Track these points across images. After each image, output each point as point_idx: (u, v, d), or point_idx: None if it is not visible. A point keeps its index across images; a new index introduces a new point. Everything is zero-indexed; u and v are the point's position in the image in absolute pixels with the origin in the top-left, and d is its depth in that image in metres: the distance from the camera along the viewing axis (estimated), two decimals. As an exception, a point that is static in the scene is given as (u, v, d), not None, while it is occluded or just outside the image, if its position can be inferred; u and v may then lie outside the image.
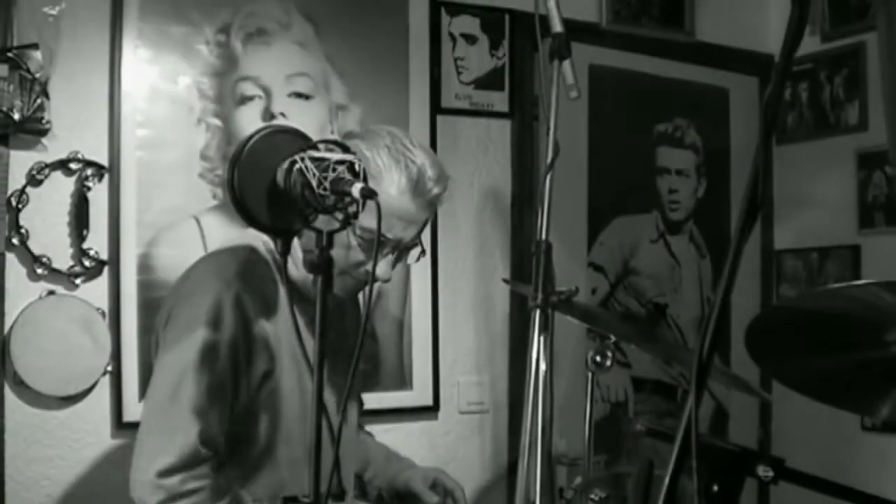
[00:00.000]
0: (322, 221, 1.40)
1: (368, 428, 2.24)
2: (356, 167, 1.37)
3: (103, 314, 2.37)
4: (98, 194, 2.39)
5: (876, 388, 1.34)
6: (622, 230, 3.22)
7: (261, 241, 1.76)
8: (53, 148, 2.34)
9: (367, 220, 1.52)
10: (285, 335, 1.72)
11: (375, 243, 1.39)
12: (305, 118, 2.62)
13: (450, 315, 2.91)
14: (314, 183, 1.34)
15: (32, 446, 2.31)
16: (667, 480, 1.00)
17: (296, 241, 1.71)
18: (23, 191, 2.30)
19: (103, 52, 2.42)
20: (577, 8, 3.02)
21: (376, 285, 1.79)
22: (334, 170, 1.35)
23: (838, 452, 3.10)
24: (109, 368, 2.37)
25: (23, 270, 2.31)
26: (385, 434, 2.29)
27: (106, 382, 2.39)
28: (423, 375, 2.85)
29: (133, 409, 2.35)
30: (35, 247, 2.32)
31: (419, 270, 2.78)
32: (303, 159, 1.35)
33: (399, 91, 2.81)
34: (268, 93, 2.60)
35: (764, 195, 1.03)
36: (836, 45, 3.26)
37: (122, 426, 2.37)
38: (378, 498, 2.08)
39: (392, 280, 1.81)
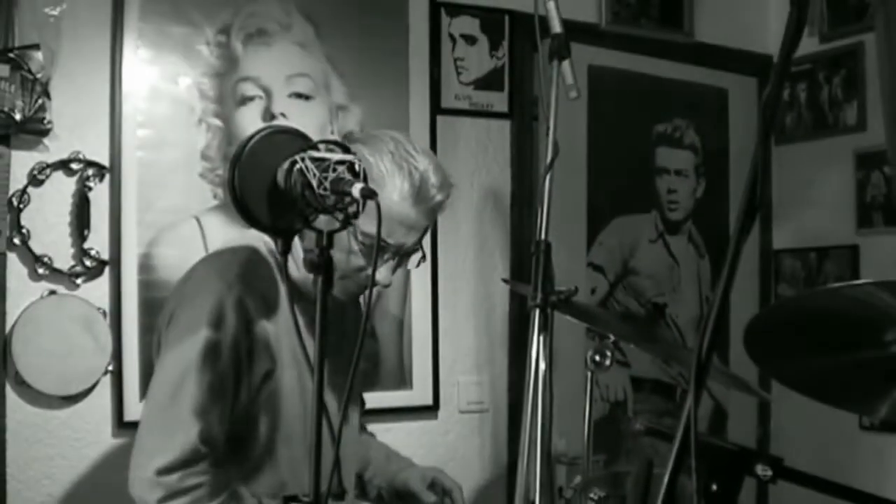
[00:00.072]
0: (322, 221, 1.40)
1: (368, 427, 2.24)
2: (356, 167, 1.38)
3: (104, 314, 2.38)
4: (99, 194, 2.40)
5: (874, 387, 1.34)
6: (621, 230, 3.22)
7: (262, 241, 1.77)
8: (55, 148, 2.34)
9: (368, 225, 1.52)
10: (286, 335, 1.72)
11: (375, 244, 1.39)
12: (306, 118, 2.63)
13: (450, 315, 2.91)
14: (314, 183, 1.34)
15: (34, 446, 2.32)
16: (666, 479, 1.01)
17: (297, 241, 1.71)
18: (24, 191, 2.31)
19: (104, 53, 2.43)
20: (577, 9, 3.02)
21: (375, 286, 1.79)
22: (334, 170, 1.36)
23: (837, 452, 3.11)
24: (110, 368, 2.37)
25: (24, 270, 2.32)
26: (385, 434, 2.30)
27: (107, 382, 2.39)
28: (423, 375, 2.86)
29: (134, 409, 2.36)
30: (36, 247, 2.32)
31: (419, 270, 2.77)
32: (303, 159, 1.36)
33: (399, 91, 2.82)
34: (268, 93, 2.60)
35: (763, 195, 1.03)
36: (834, 46, 3.27)
37: (123, 426, 2.37)
38: (377, 497, 2.08)
39: (392, 280, 1.81)
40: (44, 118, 2.28)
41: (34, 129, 2.29)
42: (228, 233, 2.30)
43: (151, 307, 2.38)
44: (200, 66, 2.54)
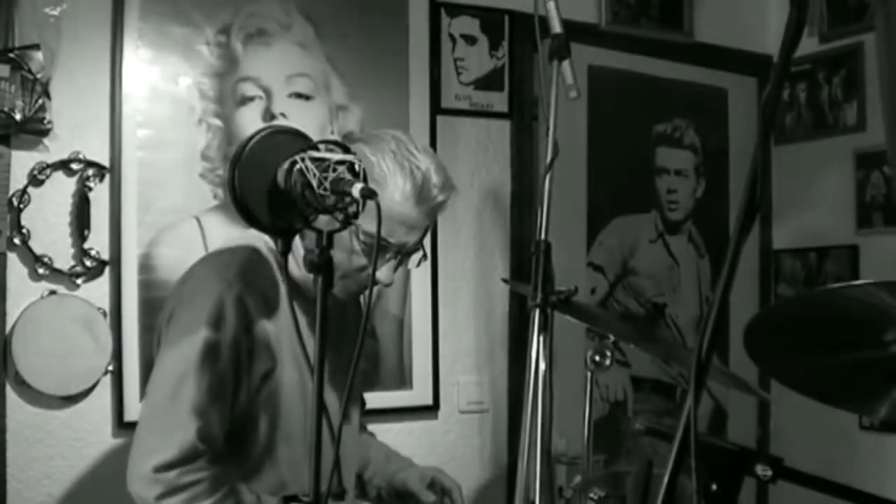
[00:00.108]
0: (323, 221, 1.40)
1: (368, 427, 2.24)
2: (356, 167, 1.38)
3: (104, 314, 2.38)
4: (99, 194, 2.40)
5: (874, 387, 1.34)
6: (621, 230, 3.22)
7: (262, 240, 1.77)
8: (55, 148, 2.34)
9: (370, 224, 1.52)
10: (287, 335, 1.72)
11: (375, 244, 1.39)
12: (306, 118, 2.63)
13: (450, 315, 2.91)
14: (314, 183, 1.34)
15: (34, 446, 2.32)
16: (666, 479, 1.01)
17: (297, 240, 1.71)
18: (24, 191, 2.31)
19: (104, 53, 2.43)
20: (577, 9, 3.02)
21: (376, 286, 1.80)
22: (334, 170, 1.36)
23: (836, 452, 3.11)
24: (110, 368, 2.38)
25: (24, 270, 2.32)
26: (385, 433, 2.29)
27: (107, 382, 2.39)
28: (423, 375, 2.86)
29: (134, 409, 2.36)
30: (36, 247, 2.32)
31: (419, 270, 2.77)
32: (303, 159, 1.36)
33: (399, 91, 2.82)
34: (268, 93, 2.60)
35: (762, 195, 1.03)
36: (834, 46, 3.27)
37: (123, 426, 2.37)
38: (377, 497, 2.08)
39: (394, 279, 1.81)
40: (44, 118, 2.28)
41: (34, 129, 2.29)
42: (228, 233, 2.30)
43: (151, 307, 2.38)
44: (200, 66, 2.54)
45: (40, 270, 2.32)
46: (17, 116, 2.24)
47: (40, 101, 2.27)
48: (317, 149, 1.39)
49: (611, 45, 3.18)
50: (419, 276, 2.82)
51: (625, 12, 3.22)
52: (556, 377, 1.66)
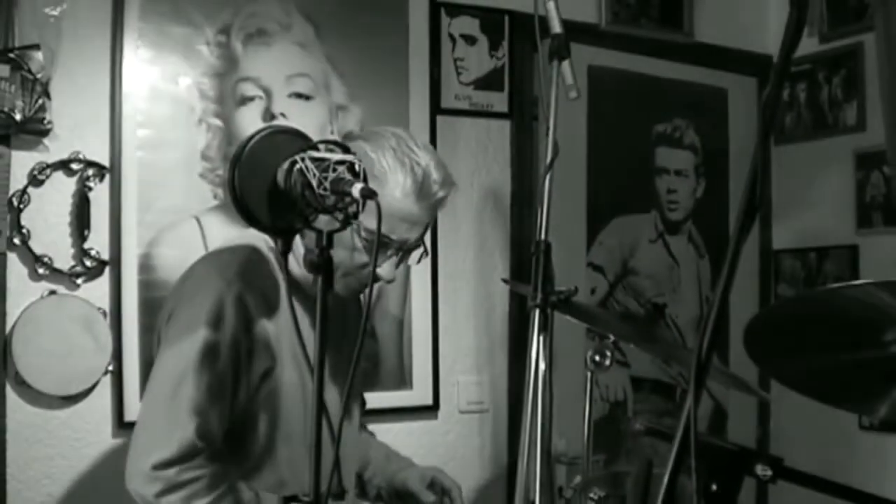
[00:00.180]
0: (323, 221, 1.40)
1: (368, 427, 2.24)
2: (356, 167, 1.38)
3: (104, 314, 2.38)
4: (99, 194, 2.40)
5: (874, 387, 1.34)
6: (621, 230, 3.22)
7: (262, 240, 1.77)
8: (55, 148, 2.34)
9: (371, 221, 1.52)
10: (286, 334, 1.72)
11: (375, 243, 1.39)
12: (306, 119, 2.63)
13: (450, 315, 2.91)
14: (314, 183, 1.35)
15: (34, 446, 2.32)
16: (666, 479, 1.01)
17: (298, 239, 1.71)
18: (24, 191, 2.31)
19: (104, 53, 2.43)
20: (577, 9, 3.02)
21: (377, 284, 1.80)
22: (334, 170, 1.36)
23: (836, 451, 3.11)
24: (110, 368, 2.38)
25: (24, 270, 2.32)
26: (385, 433, 2.29)
27: (107, 382, 2.39)
28: (423, 375, 2.86)
29: (134, 409, 2.36)
30: (36, 247, 2.32)
31: (419, 270, 2.78)
32: (303, 159, 1.36)
33: (399, 91, 2.82)
34: (268, 93, 2.60)
35: (762, 195, 1.03)
36: (834, 46, 3.27)
37: (124, 426, 2.37)
38: (377, 497, 2.08)
39: (395, 275, 1.81)
40: (44, 118, 2.29)
41: (34, 130, 2.29)
42: (228, 233, 2.29)
43: (151, 307, 2.38)
44: (200, 66, 2.54)
45: (40, 270, 2.32)
46: (17, 116, 2.24)
47: (40, 101, 2.27)
48: (317, 149, 1.39)
49: (611, 45, 3.18)
50: (419, 276, 2.82)
51: (625, 12, 3.22)
52: (556, 377, 1.66)
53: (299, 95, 2.65)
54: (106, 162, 2.41)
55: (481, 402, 2.97)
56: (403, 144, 1.72)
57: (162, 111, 2.49)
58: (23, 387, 2.29)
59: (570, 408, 2.07)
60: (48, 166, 2.33)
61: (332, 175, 1.35)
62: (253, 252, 1.77)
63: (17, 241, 2.30)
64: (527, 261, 2.88)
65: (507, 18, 3.01)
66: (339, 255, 1.61)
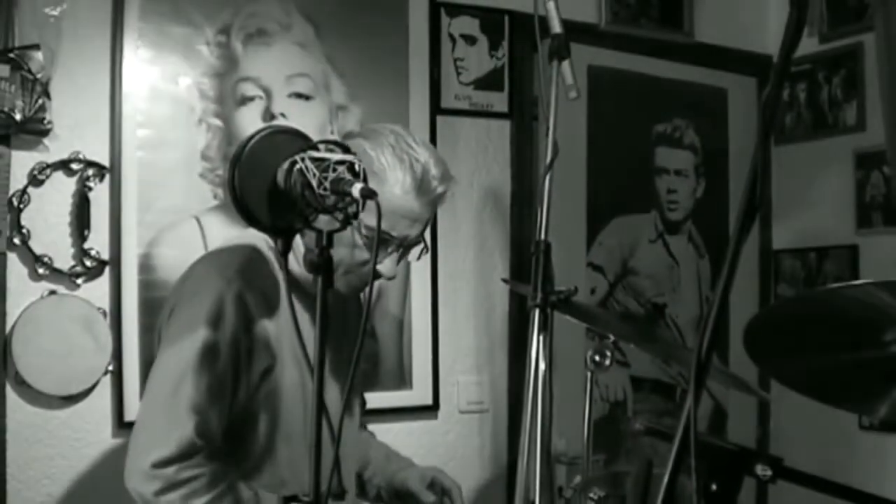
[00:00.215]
0: (323, 221, 1.40)
1: (368, 427, 2.24)
2: (356, 167, 1.38)
3: (104, 314, 2.38)
4: (99, 194, 2.40)
5: (874, 387, 1.34)
6: (621, 230, 3.22)
7: (262, 239, 1.77)
8: (55, 148, 2.34)
9: (371, 219, 1.52)
10: (286, 333, 1.72)
11: (375, 242, 1.39)
12: (305, 118, 2.63)
13: (450, 315, 2.91)
14: (314, 183, 1.35)
15: (34, 446, 2.32)
16: (665, 479, 1.01)
17: (298, 238, 1.71)
18: (24, 191, 2.31)
19: (104, 53, 2.43)
20: (576, 9, 3.02)
21: (377, 284, 1.80)
22: (334, 170, 1.36)
23: (836, 451, 3.11)
24: (110, 368, 2.38)
25: (24, 270, 2.32)
26: (385, 433, 2.29)
27: (107, 382, 2.39)
28: (423, 375, 2.86)
29: (134, 409, 2.35)
30: (36, 247, 2.32)
31: (419, 270, 2.78)
32: (303, 159, 1.36)
33: (399, 91, 2.82)
34: (268, 93, 2.60)
35: (762, 195, 1.03)
36: (834, 46, 3.27)
37: (124, 426, 2.37)
38: (377, 497, 2.08)
39: (397, 272, 1.82)
40: (44, 118, 2.29)
41: (34, 130, 2.29)
42: (228, 233, 2.29)
43: (151, 307, 2.38)
44: (200, 66, 2.54)
45: (40, 270, 2.32)
46: (17, 116, 2.24)
47: (40, 101, 2.27)
48: (317, 149, 1.39)
49: (611, 45, 3.18)
50: (419, 275, 2.82)
51: (625, 12, 3.22)
52: (556, 377, 1.66)
53: (299, 95, 2.65)
54: (106, 162, 2.41)
55: (481, 402, 2.97)
56: (402, 141, 1.72)
57: (162, 111, 2.49)
58: (23, 387, 2.29)
59: (570, 408, 2.07)
60: (48, 166, 2.33)
61: (332, 175, 1.35)
62: (253, 252, 1.77)
63: (17, 241, 2.30)
64: (527, 261, 2.87)
65: (507, 18, 3.01)
66: (339, 252, 1.61)
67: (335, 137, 2.32)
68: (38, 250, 2.32)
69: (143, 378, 2.35)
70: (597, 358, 1.89)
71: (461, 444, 2.93)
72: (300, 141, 1.42)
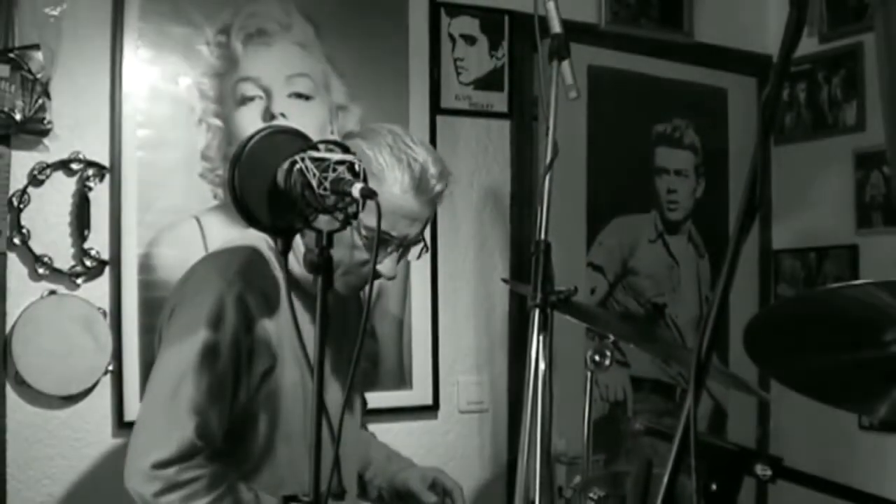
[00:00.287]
0: (323, 221, 1.40)
1: (368, 427, 2.24)
2: (356, 167, 1.38)
3: (104, 314, 2.38)
4: (99, 194, 2.40)
5: (874, 387, 1.34)
6: (621, 230, 3.22)
7: (263, 239, 1.77)
8: (55, 148, 2.34)
9: (371, 219, 1.52)
10: (287, 334, 1.72)
11: (375, 242, 1.39)
12: (305, 118, 2.63)
13: (450, 314, 2.91)
14: (314, 183, 1.35)
15: (34, 446, 2.32)
16: (665, 479, 1.01)
17: (298, 238, 1.71)
18: (24, 191, 2.31)
19: (104, 53, 2.43)
20: (576, 9, 3.02)
21: (377, 283, 1.80)
22: (334, 170, 1.36)
23: (836, 451, 3.11)
24: (110, 368, 2.38)
25: (24, 270, 2.32)
26: (385, 433, 2.29)
27: (107, 382, 2.39)
28: (423, 375, 2.86)
29: (134, 409, 2.36)
30: (36, 247, 2.32)
31: (419, 270, 2.78)
32: (303, 159, 1.36)
33: (399, 91, 2.82)
34: (268, 93, 2.60)
35: (762, 195, 1.03)
36: (833, 46, 3.27)
37: (124, 425, 2.37)
38: (378, 497, 2.08)
39: (397, 272, 1.82)
40: (44, 118, 2.29)
41: (34, 129, 2.29)
42: (228, 233, 2.30)
43: (151, 307, 2.38)
44: (200, 66, 2.54)
45: (40, 270, 2.32)
46: (17, 116, 2.24)
47: (40, 101, 2.27)
48: (317, 149, 1.39)
49: (610, 45, 3.18)
50: (419, 276, 2.82)
51: (625, 12, 3.22)
52: (556, 377, 1.66)
53: (299, 95, 2.65)
54: (106, 162, 2.41)
55: (481, 402, 2.97)
56: (400, 141, 1.72)
57: (162, 111, 2.49)
58: (23, 387, 2.29)
59: (570, 408, 2.07)
60: (48, 166, 2.33)
61: (331, 175, 1.35)
62: (253, 253, 1.77)
63: (17, 241, 2.30)
64: (527, 261, 2.88)
65: (506, 18, 3.01)
66: (339, 253, 1.61)
67: (335, 137, 2.32)
68: (38, 250, 2.32)
69: (143, 378, 2.36)
70: (597, 358, 1.89)
71: (461, 444, 2.93)
72: (300, 141, 1.42)
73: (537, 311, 1.61)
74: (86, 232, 2.37)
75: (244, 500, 1.67)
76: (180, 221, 2.49)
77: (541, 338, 1.60)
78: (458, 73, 2.94)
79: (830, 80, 3.29)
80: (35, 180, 2.33)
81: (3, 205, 2.28)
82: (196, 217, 2.51)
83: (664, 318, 3.32)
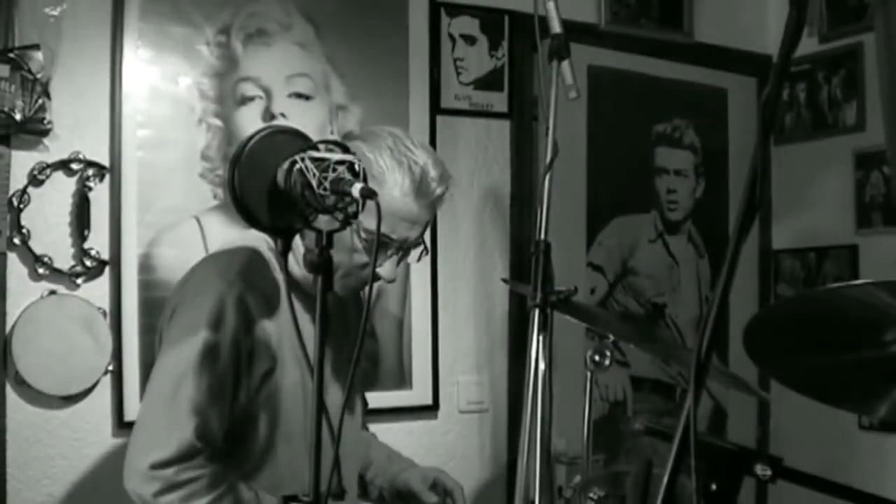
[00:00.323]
0: (322, 221, 1.40)
1: (369, 427, 2.24)
2: (356, 167, 1.38)
3: (104, 314, 2.38)
4: (99, 194, 2.40)
5: (874, 387, 1.34)
6: (621, 230, 3.22)
7: (263, 240, 1.77)
8: (55, 148, 2.34)
9: (371, 222, 1.52)
10: (287, 335, 1.72)
11: (375, 243, 1.39)
12: (305, 119, 2.63)
13: (449, 315, 2.91)
14: (314, 183, 1.35)
15: (34, 446, 2.32)
16: (665, 479, 1.01)
17: (298, 239, 1.71)
18: (24, 191, 2.31)
19: (104, 53, 2.43)
20: (576, 9, 3.02)
21: (376, 284, 1.80)
22: (334, 170, 1.36)
23: (836, 451, 3.11)
24: (110, 368, 2.38)
25: (24, 270, 2.32)
26: (385, 433, 2.29)
27: (107, 382, 2.39)
28: (423, 375, 2.86)
29: (134, 409, 2.36)
30: (36, 247, 2.32)
31: (419, 270, 2.78)
32: (303, 159, 1.36)
33: (399, 91, 2.82)
34: (268, 93, 2.60)
35: (762, 195, 1.03)
36: (833, 46, 3.27)
37: (123, 425, 2.37)
38: (379, 498, 2.08)
39: (397, 275, 1.81)
40: (44, 118, 2.29)
41: (34, 129, 2.29)
42: (228, 233, 2.30)
43: (151, 307, 2.38)
44: (200, 66, 2.54)
45: (40, 270, 2.32)
46: (17, 116, 2.24)
47: (40, 101, 2.27)
48: (317, 149, 1.39)
49: (610, 45, 3.18)
50: (419, 276, 2.82)
51: (624, 12, 3.22)
52: (556, 377, 1.66)
53: (299, 95, 2.65)
54: (106, 162, 2.41)
55: (481, 402, 2.97)
56: (400, 144, 1.72)
57: (162, 111, 2.49)
58: (23, 387, 2.29)
59: (570, 408, 2.07)
60: (48, 166, 2.33)
61: (331, 175, 1.35)
62: (253, 254, 1.77)
63: (17, 241, 2.30)
64: (527, 261, 2.88)
65: (506, 18, 3.01)
66: (338, 256, 1.61)
67: (335, 137, 2.32)
68: (38, 250, 2.32)
69: (143, 378, 2.36)
70: (597, 358, 1.89)
71: (461, 444, 2.93)
72: (300, 141, 1.42)
73: (537, 311, 1.61)
74: (86, 232, 2.37)
75: (244, 499, 1.67)
76: (180, 221, 2.49)
77: (541, 338, 1.60)
78: (458, 73, 2.94)
79: (830, 80, 3.29)
80: (35, 180, 2.33)
81: (3, 205, 2.28)
82: (196, 217, 2.51)
83: (664, 318, 3.32)
